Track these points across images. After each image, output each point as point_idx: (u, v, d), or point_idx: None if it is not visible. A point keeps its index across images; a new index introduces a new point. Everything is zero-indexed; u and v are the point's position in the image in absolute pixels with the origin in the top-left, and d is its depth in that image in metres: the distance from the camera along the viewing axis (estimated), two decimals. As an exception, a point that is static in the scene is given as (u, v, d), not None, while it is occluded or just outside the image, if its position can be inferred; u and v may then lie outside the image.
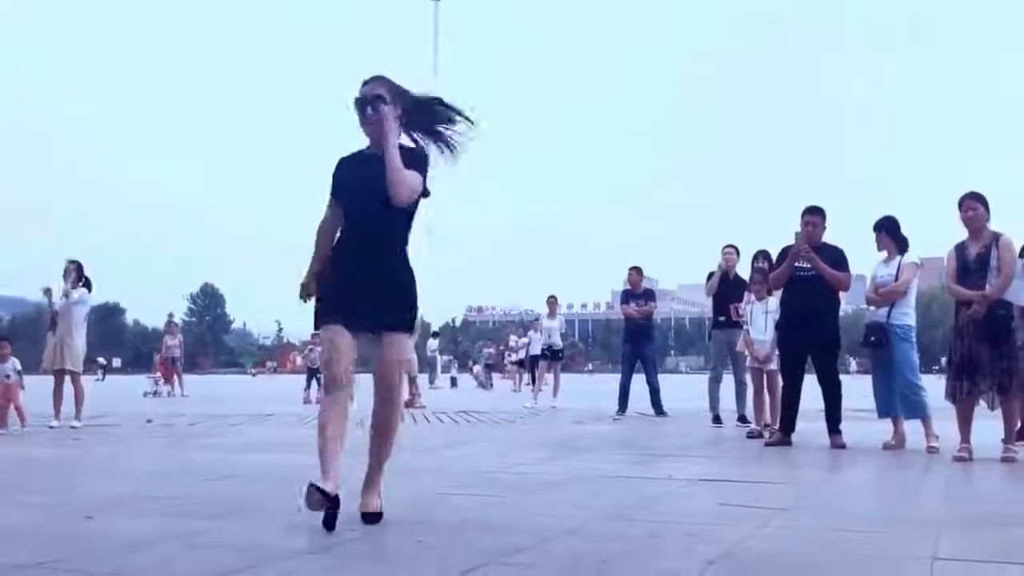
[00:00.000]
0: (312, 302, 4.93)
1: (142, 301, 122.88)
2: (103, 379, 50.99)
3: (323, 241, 4.97)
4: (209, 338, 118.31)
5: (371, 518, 4.71)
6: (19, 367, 11.68)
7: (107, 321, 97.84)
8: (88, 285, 12.29)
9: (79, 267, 12.21)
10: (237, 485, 6.42)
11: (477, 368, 38.06)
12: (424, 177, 4.83)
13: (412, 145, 4.94)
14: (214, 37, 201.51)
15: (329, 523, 4.46)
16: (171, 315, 32.37)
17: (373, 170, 4.71)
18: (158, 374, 26.82)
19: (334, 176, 4.94)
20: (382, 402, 4.85)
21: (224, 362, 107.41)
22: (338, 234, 4.90)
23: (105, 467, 7.91)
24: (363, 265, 4.72)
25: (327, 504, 4.42)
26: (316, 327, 4.92)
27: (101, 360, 58.84)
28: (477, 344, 54.84)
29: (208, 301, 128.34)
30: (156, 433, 11.50)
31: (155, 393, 25.23)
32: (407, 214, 4.84)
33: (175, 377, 25.40)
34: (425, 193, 4.85)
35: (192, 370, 55.71)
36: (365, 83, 4.84)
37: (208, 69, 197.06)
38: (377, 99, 4.76)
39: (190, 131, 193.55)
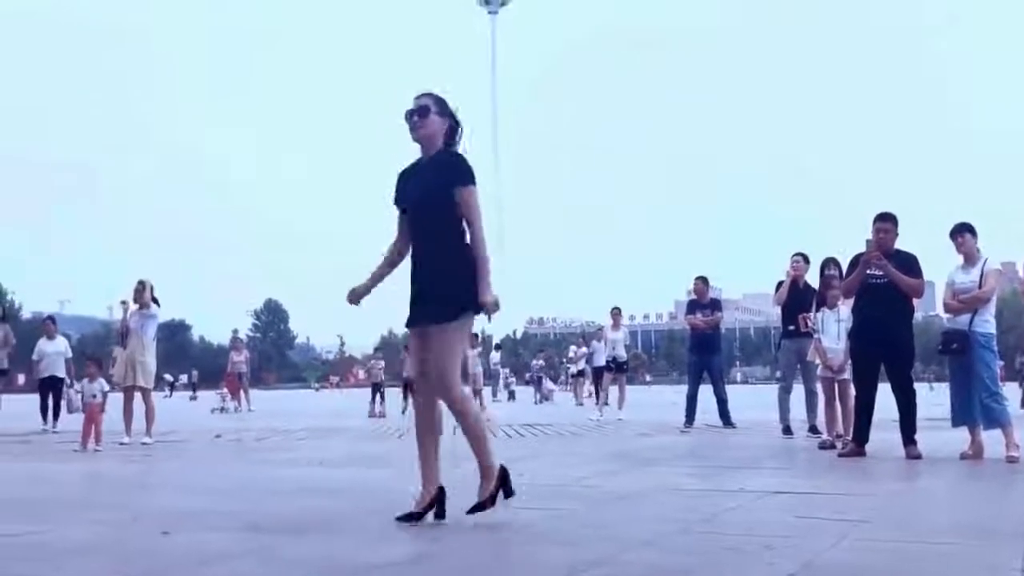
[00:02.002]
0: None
1: (207, 318, 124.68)
2: (170, 395, 51.80)
3: (387, 250, 5.43)
4: (273, 353, 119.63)
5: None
6: (106, 388, 11.83)
7: (173, 338, 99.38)
8: (157, 303, 12.46)
9: (149, 285, 12.37)
10: (309, 499, 6.43)
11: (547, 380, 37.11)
12: (469, 178, 5.17)
13: (457, 151, 5.32)
14: (287, 45, 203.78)
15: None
16: (236, 331, 32.77)
17: (422, 176, 5.23)
18: (224, 390, 27.11)
19: (395, 187, 5.36)
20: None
21: (288, 377, 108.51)
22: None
23: (177, 482, 7.98)
24: (418, 267, 5.18)
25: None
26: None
27: (168, 377, 59.73)
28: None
29: (272, 317, 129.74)
30: (225, 448, 11.60)
31: (222, 409, 25.50)
32: (456, 214, 5.11)
33: (242, 392, 25.64)
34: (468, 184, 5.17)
35: (257, 385, 56.32)
36: (415, 98, 5.28)
37: (284, 84, 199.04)
38: (423, 109, 5.21)
39: (257, 145, 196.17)
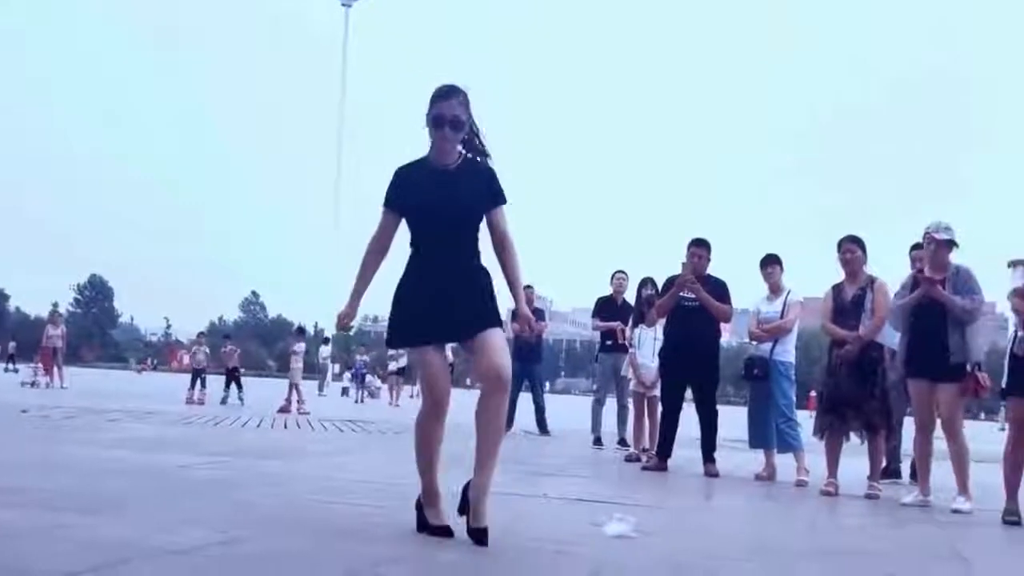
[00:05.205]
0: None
1: (27, 289, 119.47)
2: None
3: (373, 260, 4.91)
4: (95, 331, 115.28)
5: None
6: None
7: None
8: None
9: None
10: (108, 480, 6.28)
11: (370, 378, 36.54)
12: (498, 185, 4.85)
13: (475, 158, 4.89)
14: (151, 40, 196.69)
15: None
16: (56, 304, 31.63)
17: (449, 187, 4.70)
18: (39, 364, 26.12)
19: (396, 188, 4.80)
20: (495, 396, 5.08)
21: (109, 356, 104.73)
22: (411, 255, 4.82)
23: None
24: (449, 279, 4.73)
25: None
26: (397, 346, 5.11)
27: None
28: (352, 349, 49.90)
29: (95, 293, 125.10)
30: (30, 424, 11.22)
31: (33, 383, 24.57)
32: (479, 224, 4.83)
33: (55, 368, 24.74)
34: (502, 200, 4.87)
35: (74, 362, 54.19)
36: (442, 94, 4.72)
37: (124, 66, 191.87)
38: (458, 123, 4.70)
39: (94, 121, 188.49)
